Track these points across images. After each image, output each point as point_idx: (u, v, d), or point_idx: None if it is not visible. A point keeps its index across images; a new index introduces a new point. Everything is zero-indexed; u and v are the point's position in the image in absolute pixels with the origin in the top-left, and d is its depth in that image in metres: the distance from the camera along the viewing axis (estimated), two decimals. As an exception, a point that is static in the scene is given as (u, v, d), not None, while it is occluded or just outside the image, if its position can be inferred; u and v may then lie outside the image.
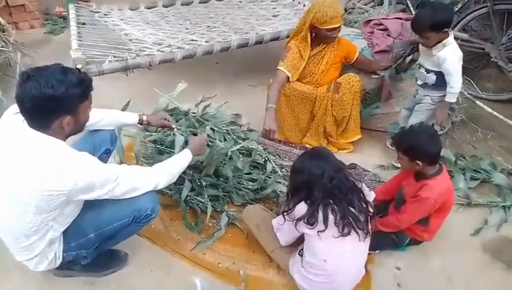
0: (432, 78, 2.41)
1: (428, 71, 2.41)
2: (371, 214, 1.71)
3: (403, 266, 2.05)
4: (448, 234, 2.18)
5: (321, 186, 1.64)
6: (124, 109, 2.35)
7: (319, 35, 2.63)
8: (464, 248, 2.16)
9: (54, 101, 1.42)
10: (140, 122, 2.13)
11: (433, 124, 2.43)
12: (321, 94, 2.71)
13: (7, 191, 1.49)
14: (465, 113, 2.99)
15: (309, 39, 2.65)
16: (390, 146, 2.83)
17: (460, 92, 2.94)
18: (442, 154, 2.59)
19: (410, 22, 2.93)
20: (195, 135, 2.31)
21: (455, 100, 2.45)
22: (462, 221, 2.29)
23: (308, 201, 1.66)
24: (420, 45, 2.43)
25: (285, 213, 1.75)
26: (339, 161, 1.78)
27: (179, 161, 1.89)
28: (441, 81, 2.38)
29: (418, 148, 1.84)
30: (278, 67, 2.65)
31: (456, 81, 2.34)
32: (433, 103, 2.49)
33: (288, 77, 2.65)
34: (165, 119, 2.21)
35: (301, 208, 1.66)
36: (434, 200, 1.86)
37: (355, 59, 2.75)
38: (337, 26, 2.55)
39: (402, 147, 1.91)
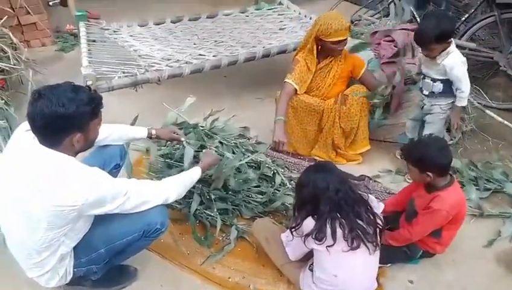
0: (438, 86, 2.41)
1: (434, 80, 2.42)
2: (379, 226, 1.69)
3: (415, 279, 2.02)
4: (461, 245, 2.15)
5: (327, 200, 1.63)
6: (133, 124, 2.38)
7: (324, 48, 2.64)
8: (477, 259, 2.13)
9: (65, 119, 1.44)
10: (150, 136, 2.14)
11: (446, 132, 2.48)
12: (328, 106, 2.71)
13: (19, 207, 1.50)
14: (475, 123, 2.98)
15: (315, 52, 2.66)
16: (399, 156, 2.81)
17: (470, 102, 2.94)
18: (453, 165, 2.60)
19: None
20: (203, 147, 2.32)
21: (466, 103, 2.46)
22: (474, 232, 2.26)
23: (315, 216, 1.65)
24: (422, 55, 2.43)
25: (293, 229, 1.74)
26: (343, 173, 1.78)
27: (189, 176, 1.91)
28: (447, 89, 2.40)
29: (428, 159, 1.83)
30: (286, 80, 2.66)
31: (465, 85, 2.35)
32: (443, 112, 2.49)
33: (295, 90, 2.66)
34: (174, 133, 2.23)
35: (309, 223, 1.65)
36: (446, 212, 1.83)
37: (360, 75, 2.72)
38: (341, 39, 2.55)
39: (412, 159, 1.90)
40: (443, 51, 2.29)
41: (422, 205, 1.91)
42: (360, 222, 1.64)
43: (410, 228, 1.93)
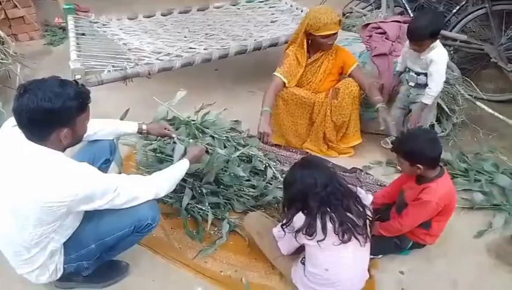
0: (422, 79, 2.51)
1: (418, 74, 2.52)
2: (369, 218, 1.70)
3: (406, 270, 2.03)
4: (452, 237, 2.16)
5: (315, 195, 1.62)
6: (123, 118, 2.36)
7: (314, 42, 2.63)
8: (467, 251, 2.15)
9: (51, 114, 1.42)
10: (140, 131, 2.13)
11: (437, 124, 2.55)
12: (320, 100, 2.70)
13: (7, 204, 1.48)
14: (466, 115, 2.99)
15: (305, 46, 2.64)
16: (384, 145, 2.86)
17: (461, 94, 2.95)
18: (443, 157, 2.61)
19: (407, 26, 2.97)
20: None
21: (430, 102, 2.52)
22: (465, 224, 2.28)
23: (305, 211, 1.65)
24: (407, 50, 2.52)
25: (283, 226, 1.74)
26: (330, 168, 1.77)
27: (178, 169, 1.90)
28: None
29: (417, 152, 1.83)
30: (274, 73, 2.65)
31: (436, 84, 2.44)
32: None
33: (284, 83, 2.65)
34: (164, 129, 2.22)
35: (299, 219, 1.65)
36: (436, 203, 1.84)
37: (349, 72, 2.68)
38: (331, 33, 2.52)
39: (402, 152, 1.90)
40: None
41: (413, 197, 1.92)
42: (349, 215, 1.64)
43: (401, 219, 1.94)
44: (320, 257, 1.67)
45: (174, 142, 2.25)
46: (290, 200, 1.73)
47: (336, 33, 2.56)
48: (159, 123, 2.31)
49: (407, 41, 2.51)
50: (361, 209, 1.68)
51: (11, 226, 1.51)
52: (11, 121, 1.53)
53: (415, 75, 2.53)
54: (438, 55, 2.38)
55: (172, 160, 2.31)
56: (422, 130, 2.01)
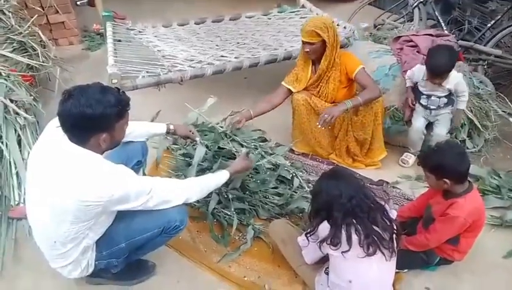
0: (443, 100, 2.65)
1: (439, 97, 2.64)
2: (396, 232, 1.68)
3: (432, 287, 2.00)
4: (480, 255, 2.12)
5: (340, 207, 1.62)
6: (153, 119, 2.43)
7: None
8: (496, 270, 2.09)
9: (92, 120, 1.50)
10: (168, 131, 2.21)
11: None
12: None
13: (47, 200, 1.56)
14: (498, 131, 2.92)
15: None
16: (402, 164, 2.84)
17: (494, 109, 2.89)
18: (474, 173, 2.57)
19: (441, 38, 2.94)
20: (221, 148, 2.37)
21: (466, 106, 2.68)
22: (494, 242, 2.22)
23: (330, 221, 1.65)
24: (427, 81, 2.63)
25: (308, 235, 1.75)
26: (357, 179, 1.77)
27: (214, 179, 1.93)
28: (450, 99, 2.66)
29: (444, 166, 1.81)
30: (282, 83, 2.76)
31: (466, 92, 2.61)
32: (449, 113, 2.70)
33: (289, 90, 2.72)
34: (190, 132, 2.29)
35: (324, 229, 1.66)
36: (464, 219, 1.81)
37: (353, 76, 2.59)
38: (304, 40, 2.51)
39: (428, 166, 1.88)
40: None
41: (440, 212, 1.89)
42: (375, 228, 1.63)
43: (428, 234, 1.91)
44: (345, 268, 1.67)
45: (195, 145, 2.32)
46: (315, 210, 1.74)
47: (310, 43, 2.51)
48: (185, 124, 2.38)
49: (417, 66, 2.68)
50: (388, 223, 1.67)
51: (50, 222, 1.59)
52: (55, 121, 1.62)
53: (437, 99, 2.65)
54: (457, 79, 2.56)
55: (201, 165, 2.38)
56: (450, 144, 1.99)
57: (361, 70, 2.58)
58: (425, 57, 2.88)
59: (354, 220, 1.62)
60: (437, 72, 2.52)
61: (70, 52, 4.40)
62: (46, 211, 1.58)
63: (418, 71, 2.68)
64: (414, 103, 2.73)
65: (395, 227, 1.68)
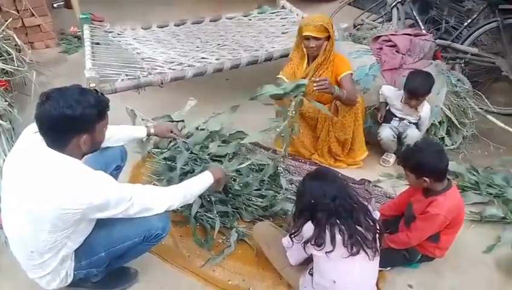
0: (413, 126, 2.76)
1: (410, 122, 2.75)
2: (379, 232, 1.70)
3: (415, 284, 2.02)
4: (461, 251, 2.15)
5: (324, 207, 1.63)
6: (133, 122, 2.39)
7: (304, 46, 2.63)
8: (476, 265, 2.13)
9: (72, 121, 1.46)
10: (148, 133, 2.18)
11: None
12: (322, 115, 2.69)
13: (24, 208, 1.52)
14: (476, 128, 2.98)
15: (304, 47, 2.65)
16: (383, 164, 2.87)
17: (471, 107, 2.96)
18: (453, 170, 2.61)
19: (419, 38, 2.98)
20: (205, 147, 2.34)
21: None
22: (474, 238, 2.26)
23: (314, 222, 1.66)
24: (403, 105, 2.70)
25: (292, 235, 1.75)
26: (341, 179, 1.78)
27: (198, 185, 1.88)
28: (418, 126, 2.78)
29: (424, 165, 1.83)
30: (277, 76, 2.71)
31: (425, 127, 2.82)
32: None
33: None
34: (171, 132, 2.27)
35: (308, 229, 1.66)
36: (444, 217, 1.84)
37: (339, 79, 2.61)
38: (309, 34, 2.51)
39: (408, 165, 1.90)
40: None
41: (420, 210, 1.92)
42: (359, 228, 1.64)
43: (409, 232, 1.94)
44: (328, 268, 1.68)
45: (178, 147, 2.29)
46: (299, 210, 1.75)
47: (317, 38, 2.53)
48: (165, 124, 2.34)
49: (387, 87, 2.78)
50: (371, 223, 1.68)
51: (26, 231, 1.54)
52: (32, 127, 1.58)
53: (408, 124, 2.74)
54: (427, 110, 2.70)
55: (183, 169, 2.35)
56: (429, 142, 2.02)
57: (349, 75, 2.63)
58: (403, 56, 2.94)
59: (338, 221, 1.63)
60: (419, 93, 2.58)
61: (47, 55, 4.31)
62: (23, 220, 1.54)
63: (388, 91, 2.77)
64: (381, 119, 2.80)
65: (378, 227, 1.70)
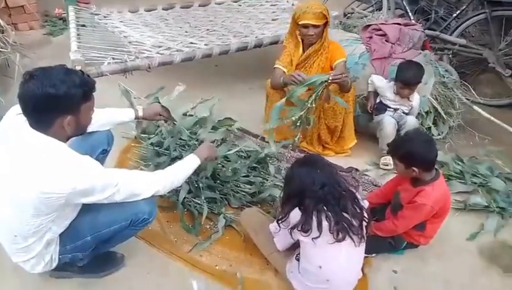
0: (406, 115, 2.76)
1: (404, 113, 2.74)
2: (365, 219, 1.70)
3: (399, 270, 2.05)
4: (445, 238, 2.18)
5: (312, 194, 1.63)
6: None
7: (301, 34, 2.61)
8: (460, 252, 2.17)
9: (56, 100, 1.42)
10: (136, 117, 2.14)
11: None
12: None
13: (7, 192, 1.48)
14: (462, 118, 3.02)
15: (298, 35, 2.62)
16: (384, 167, 2.76)
17: (458, 97, 2.98)
18: (439, 159, 2.64)
19: (409, 28, 2.99)
20: (194, 133, 2.31)
21: None
22: (458, 225, 2.30)
23: (301, 208, 1.66)
24: (396, 96, 2.70)
25: (279, 221, 1.75)
26: (330, 167, 1.78)
27: (184, 168, 1.86)
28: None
29: (413, 154, 1.84)
30: (275, 66, 2.66)
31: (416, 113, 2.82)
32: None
33: (285, 72, 2.63)
34: (159, 115, 2.22)
35: (295, 215, 1.66)
36: (431, 207, 1.86)
37: (333, 65, 2.63)
38: (307, 22, 2.48)
39: (398, 154, 1.91)
40: None
41: (408, 199, 1.93)
42: (345, 214, 1.65)
43: (396, 220, 1.96)
44: (315, 254, 1.69)
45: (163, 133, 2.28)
46: (287, 196, 1.75)
47: (316, 26, 2.50)
48: (153, 106, 2.28)
49: (376, 77, 2.77)
50: (358, 210, 1.69)
51: (10, 215, 1.51)
52: (15, 109, 1.53)
53: (403, 114, 2.73)
54: (417, 99, 2.73)
55: (169, 154, 2.33)
56: (418, 132, 2.03)
57: (343, 62, 2.63)
58: (393, 46, 2.94)
59: (325, 207, 1.63)
60: (414, 82, 2.59)
61: (31, 37, 4.21)
62: (6, 204, 1.51)
63: (379, 81, 2.77)
64: (373, 108, 2.80)
65: (365, 214, 1.71)
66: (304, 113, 2.36)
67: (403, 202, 1.96)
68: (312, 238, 1.63)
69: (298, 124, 2.37)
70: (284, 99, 2.44)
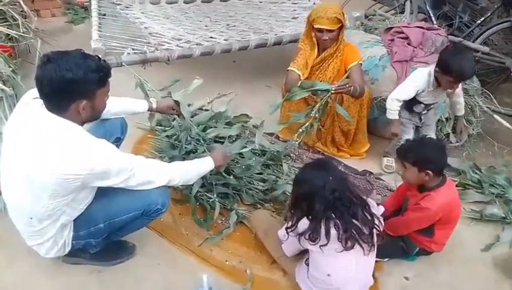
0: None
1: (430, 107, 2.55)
2: (376, 227, 1.67)
3: (411, 276, 2.03)
4: (459, 247, 2.15)
5: (322, 199, 1.59)
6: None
7: (316, 37, 2.57)
8: (474, 262, 2.13)
9: (72, 84, 1.42)
10: (150, 109, 2.15)
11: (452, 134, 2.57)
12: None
13: (24, 174, 1.49)
14: (482, 127, 2.96)
15: (314, 37, 2.57)
16: (386, 169, 2.73)
17: (479, 105, 2.92)
18: (456, 167, 2.61)
19: (432, 32, 2.94)
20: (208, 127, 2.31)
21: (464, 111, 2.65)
22: (473, 235, 2.26)
23: (310, 217, 1.63)
24: (441, 89, 2.40)
25: (288, 230, 1.73)
26: (342, 172, 1.75)
27: (199, 165, 1.90)
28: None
29: (429, 158, 1.83)
30: (289, 68, 2.62)
31: (462, 98, 2.59)
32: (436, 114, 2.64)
33: (299, 76, 2.59)
34: (173, 109, 2.23)
35: (303, 224, 1.64)
36: (434, 212, 1.84)
37: (348, 68, 2.56)
38: (322, 27, 2.44)
39: (412, 158, 1.88)
40: None
41: (414, 203, 1.94)
42: (355, 221, 1.61)
43: (398, 219, 1.96)
44: (323, 262, 1.67)
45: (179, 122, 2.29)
46: (296, 199, 1.71)
47: (330, 30, 2.46)
48: (167, 100, 2.28)
49: (421, 74, 2.43)
50: (368, 218, 1.66)
51: (26, 197, 1.53)
52: (32, 92, 1.54)
53: (434, 110, 2.58)
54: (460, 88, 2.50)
55: (186, 148, 2.33)
56: (429, 138, 2.05)
57: (358, 64, 2.58)
58: (415, 49, 2.89)
59: (334, 214, 1.60)
60: (466, 76, 2.30)
61: (53, 24, 4.25)
62: (22, 185, 1.52)
63: (424, 81, 2.43)
64: (398, 139, 2.62)
65: (376, 222, 1.67)
66: (308, 124, 2.35)
67: (410, 207, 1.96)
68: (320, 246, 1.60)
69: (302, 130, 2.35)
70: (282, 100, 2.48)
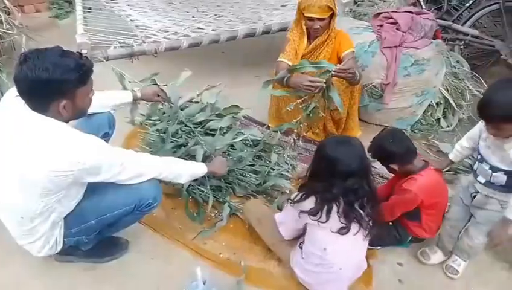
0: (500, 178, 1.70)
1: (494, 169, 1.71)
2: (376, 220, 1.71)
3: (404, 262, 2.04)
4: (451, 232, 2.16)
5: (341, 185, 1.57)
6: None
7: (306, 25, 2.53)
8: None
9: (48, 85, 1.39)
10: (135, 98, 2.12)
11: None
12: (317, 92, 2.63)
13: (14, 172, 1.47)
14: (472, 111, 2.97)
15: (303, 25, 2.55)
16: (423, 259, 2.11)
17: (469, 89, 2.93)
18: (446, 151, 2.61)
19: (421, 16, 2.93)
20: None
21: None
22: (465, 219, 2.27)
23: (318, 197, 1.63)
24: (487, 133, 1.71)
25: (292, 202, 1.72)
26: (368, 159, 1.73)
27: (191, 166, 1.90)
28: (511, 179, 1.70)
29: (384, 153, 1.90)
30: (278, 59, 2.59)
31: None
32: (502, 210, 1.74)
33: (289, 66, 2.56)
34: (158, 96, 2.21)
35: (310, 203, 1.64)
36: (414, 194, 1.86)
37: (341, 56, 2.53)
38: (313, 16, 2.40)
39: (376, 158, 1.96)
40: None
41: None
42: (359, 209, 1.63)
43: (384, 204, 1.96)
44: (320, 236, 1.68)
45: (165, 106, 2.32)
46: (315, 173, 1.69)
47: (321, 19, 2.42)
48: (151, 87, 2.25)
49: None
50: (373, 213, 1.68)
51: (17, 196, 1.51)
52: (14, 90, 1.50)
53: (490, 171, 1.72)
54: None
55: (176, 141, 2.31)
56: (387, 130, 2.03)
57: (351, 52, 2.55)
58: (404, 34, 2.88)
59: (343, 199, 1.60)
60: (486, 110, 1.59)
61: (37, 20, 4.18)
62: (13, 185, 1.50)
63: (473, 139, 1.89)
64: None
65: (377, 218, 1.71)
66: (315, 104, 2.33)
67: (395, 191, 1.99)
68: (318, 221, 1.62)
69: (309, 113, 2.33)
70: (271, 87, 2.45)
